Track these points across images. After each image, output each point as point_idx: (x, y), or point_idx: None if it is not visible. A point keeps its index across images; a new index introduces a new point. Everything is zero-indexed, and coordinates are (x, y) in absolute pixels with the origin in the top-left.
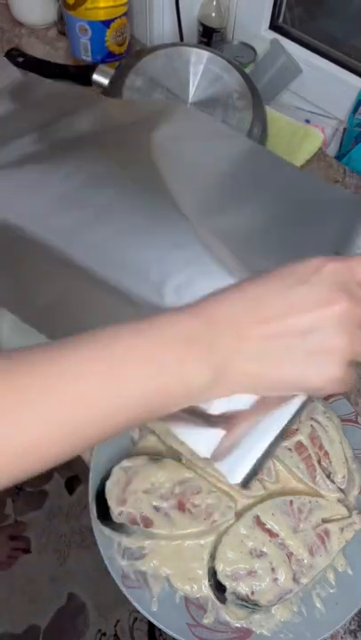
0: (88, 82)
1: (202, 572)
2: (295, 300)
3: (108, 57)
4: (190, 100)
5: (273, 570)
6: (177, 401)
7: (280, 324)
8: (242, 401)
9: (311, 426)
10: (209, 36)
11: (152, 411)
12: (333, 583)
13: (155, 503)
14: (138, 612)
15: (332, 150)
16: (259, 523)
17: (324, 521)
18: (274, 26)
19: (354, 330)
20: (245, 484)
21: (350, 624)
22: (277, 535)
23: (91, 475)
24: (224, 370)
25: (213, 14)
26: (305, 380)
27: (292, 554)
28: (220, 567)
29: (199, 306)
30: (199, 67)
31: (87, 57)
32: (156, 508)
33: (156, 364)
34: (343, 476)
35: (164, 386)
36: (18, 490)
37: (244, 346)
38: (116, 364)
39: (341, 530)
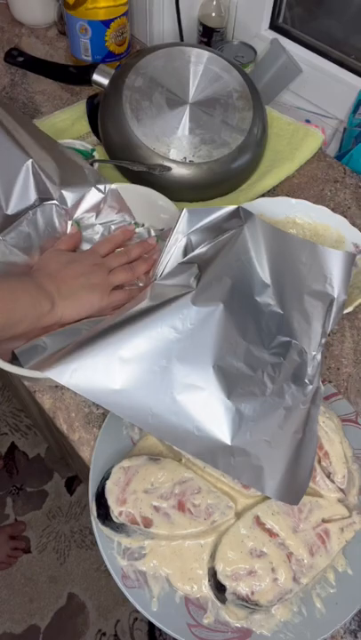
0: (88, 82)
1: (202, 572)
2: (77, 267)
3: (108, 57)
4: (190, 99)
5: (273, 570)
6: (37, 313)
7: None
8: None
9: None
10: (209, 36)
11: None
12: (333, 583)
13: (155, 503)
14: (138, 611)
15: (332, 150)
16: (259, 523)
17: (324, 521)
18: (274, 26)
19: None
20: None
21: (350, 624)
22: (277, 535)
23: (91, 475)
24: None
25: (213, 14)
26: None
27: (292, 554)
28: (220, 567)
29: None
30: (199, 66)
31: (87, 57)
32: (156, 508)
33: (30, 296)
34: (343, 476)
35: (35, 303)
36: (18, 490)
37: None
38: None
39: (341, 530)
